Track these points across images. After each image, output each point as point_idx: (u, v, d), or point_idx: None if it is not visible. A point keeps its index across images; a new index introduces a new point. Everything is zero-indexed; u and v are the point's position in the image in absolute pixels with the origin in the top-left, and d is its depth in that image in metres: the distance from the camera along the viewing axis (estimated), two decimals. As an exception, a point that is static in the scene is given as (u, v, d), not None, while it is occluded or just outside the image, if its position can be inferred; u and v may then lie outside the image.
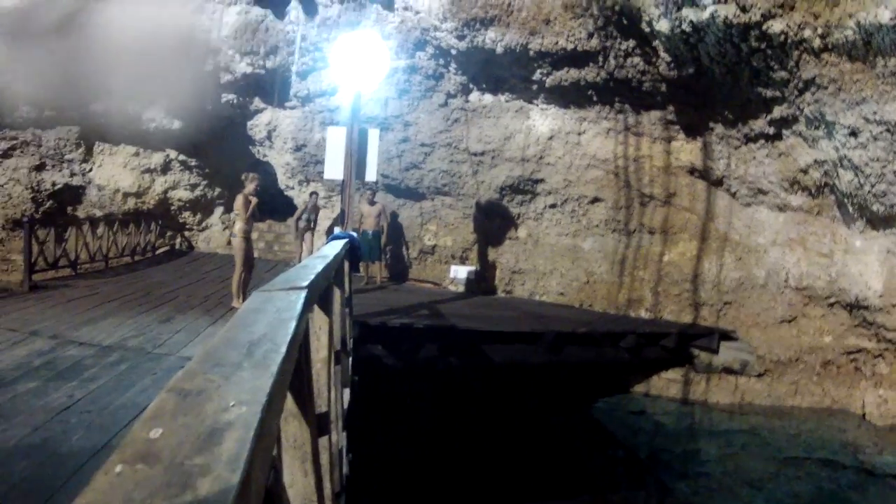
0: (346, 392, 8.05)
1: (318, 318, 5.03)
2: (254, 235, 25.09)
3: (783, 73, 14.79)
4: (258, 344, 1.91)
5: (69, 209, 23.57)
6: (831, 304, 17.12)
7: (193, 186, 25.15)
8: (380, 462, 11.60)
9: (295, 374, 2.92)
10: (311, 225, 20.40)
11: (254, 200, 14.54)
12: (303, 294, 2.87)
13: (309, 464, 3.29)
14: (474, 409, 15.50)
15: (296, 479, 3.27)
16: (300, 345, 2.86)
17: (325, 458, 4.50)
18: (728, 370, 17.64)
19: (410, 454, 13.09)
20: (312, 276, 3.60)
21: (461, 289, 20.76)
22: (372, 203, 20.29)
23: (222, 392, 1.46)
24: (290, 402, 3.03)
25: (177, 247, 26.15)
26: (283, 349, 1.88)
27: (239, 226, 14.49)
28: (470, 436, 14.62)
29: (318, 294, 4.33)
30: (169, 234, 26.01)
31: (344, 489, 5.80)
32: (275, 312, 2.42)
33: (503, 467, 13.42)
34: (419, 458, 13.07)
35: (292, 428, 3.14)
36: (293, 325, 2.22)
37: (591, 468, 14.58)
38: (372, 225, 20.05)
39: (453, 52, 18.55)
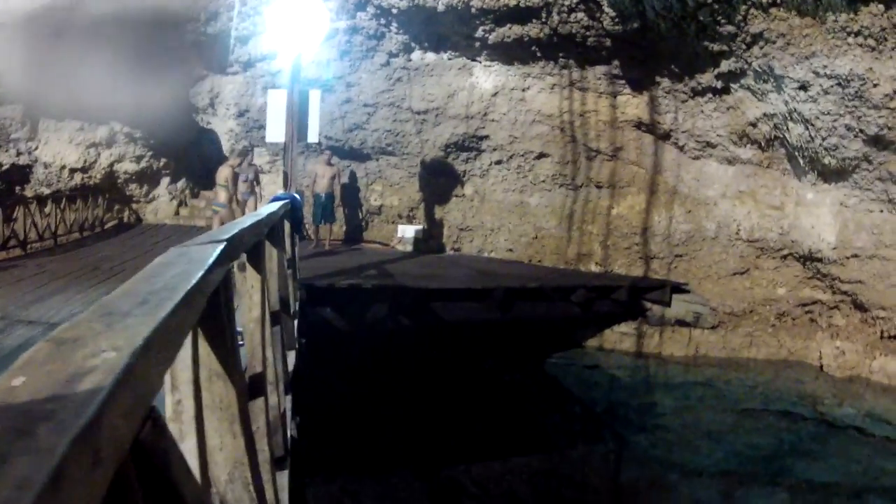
0: (292, 355, 7.95)
1: (250, 275, 4.91)
2: (201, 204, 25.07)
3: (731, 28, 14.74)
4: (156, 293, 1.78)
5: (17, 188, 23.27)
6: (784, 257, 17.21)
7: (139, 158, 24.86)
8: (331, 424, 11.52)
9: (216, 332, 2.81)
10: (252, 188, 19.30)
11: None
12: (220, 246, 2.72)
13: (238, 425, 3.16)
14: (427, 368, 15.44)
15: (224, 441, 3.15)
16: (220, 300, 2.74)
17: (260, 421, 4.39)
18: (681, 323, 17.69)
19: (363, 416, 13.02)
20: (236, 230, 3.46)
21: (409, 248, 20.63)
22: (329, 164, 20.04)
23: (99, 339, 1.34)
24: (213, 362, 2.90)
25: (125, 220, 25.87)
26: (179, 296, 1.76)
27: (225, 196, 15.08)
28: (424, 395, 14.57)
29: (245, 250, 4.20)
30: (116, 207, 25.70)
31: (289, 452, 5.68)
32: (185, 264, 2.28)
33: (459, 426, 13.39)
34: (372, 419, 13.01)
35: (217, 388, 3.01)
36: (200, 274, 2.09)
37: (547, 424, 14.62)
38: (325, 187, 19.69)
39: (394, 11, 18.32)
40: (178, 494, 1.68)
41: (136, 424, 1.32)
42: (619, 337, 18.14)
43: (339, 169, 20.56)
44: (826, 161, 15.44)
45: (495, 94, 19.51)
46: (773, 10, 13.91)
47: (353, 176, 22.10)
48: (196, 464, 2.34)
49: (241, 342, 4.44)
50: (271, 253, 6.42)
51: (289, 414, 6.36)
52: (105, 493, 1.08)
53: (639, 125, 18.55)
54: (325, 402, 11.58)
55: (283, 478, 5.04)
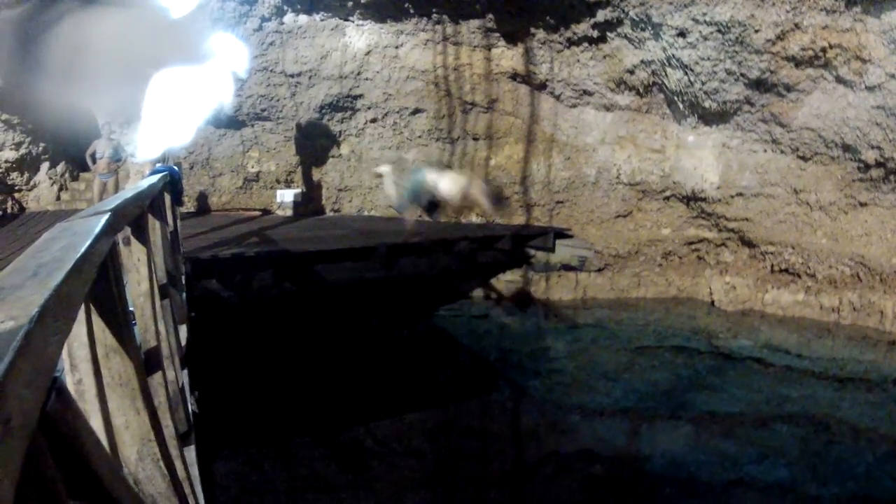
0: (184, 329, 7.83)
1: (135, 249, 4.81)
2: (82, 187, 24.48)
3: (608, -22, 14.86)
4: (45, 266, 1.74)
5: None
6: (667, 198, 17.53)
7: (18, 145, 24.12)
8: (230, 397, 11.42)
9: (108, 307, 2.74)
10: (113, 165, 17.67)
11: None
12: (104, 217, 2.65)
13: (140, 401, 3.10)
14: (316, 331, 15.36)
15: (129, 419, 3.09)
16: (109, 273, 2.67)
17: (161, 396, 4.32)
18: (567, 267, 17.92)
19: (260, 386, 12.92)
20: (119, 202, 3.38)
21: (289, 212, 20.42)
22: None
23: (-6, 310, 1.30)
24: (108, 338, 2.85)
25: (8, 210, 25.13)
26: (69, 266, 1.71)
27: None
28: (316, 360, 14.50)
29: (129, 221, 4.11)
30: (-1, 199, 24.95)
31: (192, 427, 5.59)
32: (71, 237, 2.22)
33: (354, 387, 13.35)
34: (269, 388, 12.92)
35: (115, 364, 2.95)
36: (87, 244, 2.03)
37: (441, 377, 14.66)
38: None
39: (268, -27, 18.08)
40: (90, 464, 1.65)
41: (42, 394, 1.28)
42: (506, 285, 18.34)
43: None
44: (707, 105, 15.74)
45: (368, 53, 19.33)
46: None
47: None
48: (105, 444, 2.29)
49: (132, 320, 4.35)
50: (154, 225, 6.32)
51: (187, 388, 6.26)
52: (21, 464, 1.04)
53: (514, 77, 18.60)
54: (222, 375, 11.47)
55: (191, 453, 4.96)
